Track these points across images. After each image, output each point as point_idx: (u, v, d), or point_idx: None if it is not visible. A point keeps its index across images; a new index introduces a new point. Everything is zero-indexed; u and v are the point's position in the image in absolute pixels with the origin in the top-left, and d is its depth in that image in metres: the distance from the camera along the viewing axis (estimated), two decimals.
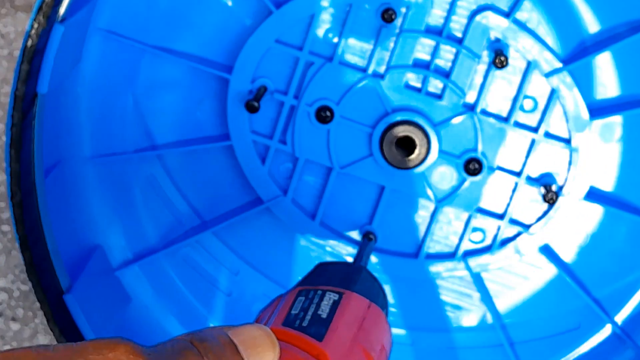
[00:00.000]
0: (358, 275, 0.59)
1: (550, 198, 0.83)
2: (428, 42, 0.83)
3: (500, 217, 0.86)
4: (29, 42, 0.69)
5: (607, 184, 0.86)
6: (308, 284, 0.57)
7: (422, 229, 0.88)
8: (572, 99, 0.82)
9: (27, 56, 0.69)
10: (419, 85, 0.84)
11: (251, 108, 0.83)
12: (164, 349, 0.33)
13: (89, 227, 0.88)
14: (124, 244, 0.90)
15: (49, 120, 0.79)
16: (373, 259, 0.88)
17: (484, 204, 0.86)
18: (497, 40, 0.81)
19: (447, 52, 0.83)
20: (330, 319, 0.49)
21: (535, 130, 0.84)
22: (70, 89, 0.84)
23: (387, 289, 0.89)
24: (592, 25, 0.81)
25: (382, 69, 0.83)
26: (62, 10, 0.73)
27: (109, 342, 0.32)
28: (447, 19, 0.82)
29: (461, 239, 0.87)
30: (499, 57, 0.80)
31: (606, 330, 0.88)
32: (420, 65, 0.83)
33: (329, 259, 0.90)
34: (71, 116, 0.85)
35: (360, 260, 0.76)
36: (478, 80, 0.83)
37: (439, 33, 0.82)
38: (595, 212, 0.86)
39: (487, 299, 0.89)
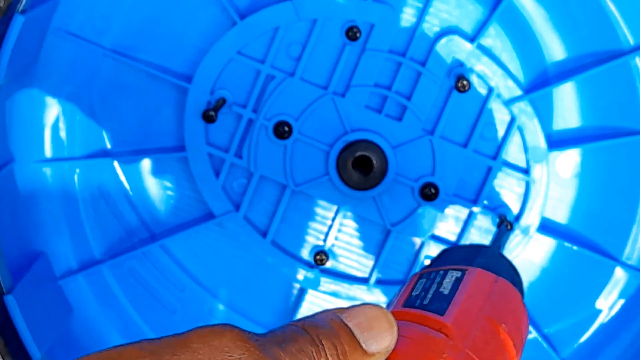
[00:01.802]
0: (484, 252, 0.56)
1: (504, 226, 0.82)
2: (391, 62, 0.82)
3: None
4: None
5: (561, 217, 0.85)
6: (429, 267, 0.54)
7: (374, 253, 0.87)
8: (532, 129, 0.82)
9: None
10: (379, 106, 0.83)
11: (208, 118, 0.82)
12: (274, 335, 0.32)
13: (35, 231, 0.86)
14: (69, 252, 0.88)
15: (1, 117, 0.77)
16: (326, 282, 0.87)
17: (437, 230, 0.85)
18: (460, 64, 0.81)
19: (409, 74, 0.82)
20: (452, 294, 0.46)
21: (493, 158, 0.83)
22: (25, 87, 0.82)
23: None
24: (556, 54, 0.81)
25: (343, 87, 0.83)
26: (24, 2, 0.72)
27: (214, 330, 0.31)
28: (411, 40, 0.82)
29: (413, 266, 0.86)
30: (461, 82, 0.80)
31: None
32: (382, 86, 0.83)
33: (279, 278, 0.88)
34: (24, 115, 0.83)
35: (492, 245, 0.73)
36: (438, 104, 0.82)
37: (402, 54, 0.82)
38: (548, 245, 0.86)
39: None
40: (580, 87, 0.82)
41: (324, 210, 0.86)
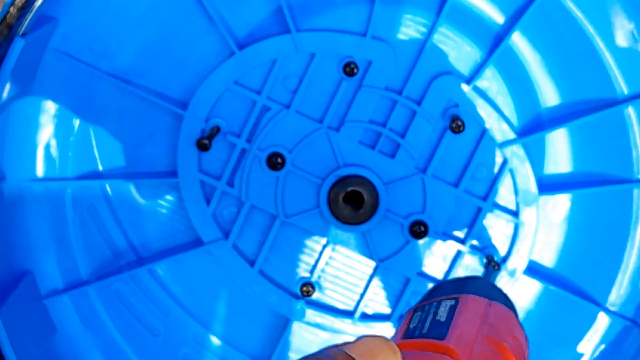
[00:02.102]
0: (474, 281, 0.57)
1: (492, 267, 0.83)
2: (386, 100, 0.82)
3: None
4: None
5: (548, 260, 0.86)
6: (422, 301, 0.54)
7: (360, 288, 0.87)
8: (523, 172, 0.82)
9: None
10: (373, 142, 0.83)
11: (202, 146, 0.82)
12: None
13: (21, 250, 0.85)
14: (55, 272, 0.87)
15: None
16: (311, 314, 0.87)
17: (425, 267, 0.86)
18: (455, 105, 0.82)
19: (404, 112, 0.83)
20: (449, 320, 0.47)
21: (483, 199, 0.84)
22: (20, 105, 0.82)
23: (323, 344, 0.87)
24: (551, 100, 0.82)
25: (338, 122, 0.83)
26: (25, 24, 0.72)
27: None
28: (408, 78, 0.82)
29: (398, 302, 0.87)
30: (455, 122, 0.81)
31: None
32: (377, 123, 0.83)
33: (264, 307, 0.88)
34: (17, 134, 0.83)
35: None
36: (432, 143, 0.83)
37: (398, 92, 0.82)
38: (534, 287, 0.86)
39: None
40: (573, 134, 0.82)
41: (313, 243, 0.86)
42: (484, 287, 0.55)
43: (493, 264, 0.83)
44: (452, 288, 0.55)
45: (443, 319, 0.47)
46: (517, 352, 0.47)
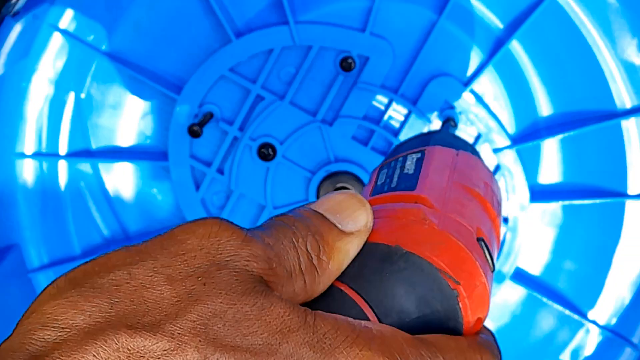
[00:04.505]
0: (438, 133, 0.55)
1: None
2: (382, 97, 0.81)
3: None
4: None
5: (535, 268, 0.85)
6: (387, 159, 0.52)
7: None
8: (516, 179, 0.81)
9: None
10: (366, 138, 0.82)
11: (193, 133, 0.81)
12: (257, 226, 0.33)
13: (10, 224, 0.85)
14: (42, 247, 0.88)
15: None
16: None
17: None
18: (451, 107, 0.81)
19: (399, 110, 0.82)
20: (418, 172, 0.45)
21: None
22: (13, 81, 0.82)
23: None
24: (548, 108, 0.81)
25: (331, 116, 0.82)
26: (17, 5, 0.71)
27: (197, 221, 0.31)
28: (405, 77, 0.81)
29: None
30: (448, 118, 0.80)
31: None
32: (371, 119, 0.82)
33: None
34: (10, 109, 0.82)
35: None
36: None
37: (394, 90, 0.81)
38: (519, 293, 0.85)
39: None
40: (569, 144, 0.81)
41: None
42: (448, 138, 0.53)
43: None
44: (416, 142, 0.53)
45: (411, 172, 0.45)
46: (490, 197, 0.45)
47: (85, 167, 0.86)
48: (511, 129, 0.81)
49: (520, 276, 0.85)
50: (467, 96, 0.80)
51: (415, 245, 0.35)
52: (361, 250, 0.35)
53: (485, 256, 0.39)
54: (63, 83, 0.83)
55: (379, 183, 0.46)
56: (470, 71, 0.80)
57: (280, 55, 0.81)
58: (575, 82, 0.79)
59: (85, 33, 0.82)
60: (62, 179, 0.86)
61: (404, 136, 0.81)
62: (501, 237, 0.45)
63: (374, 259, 0.35)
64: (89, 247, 0.89)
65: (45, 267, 0.87)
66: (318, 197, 0.83)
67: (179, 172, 0.84)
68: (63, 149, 0.86)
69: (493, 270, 0.40)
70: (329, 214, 0.34)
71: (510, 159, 0.81)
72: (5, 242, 0.85)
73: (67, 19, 0.81)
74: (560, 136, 0.80)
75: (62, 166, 0.86)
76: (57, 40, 0.81)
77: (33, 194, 0.86)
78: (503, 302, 0.86)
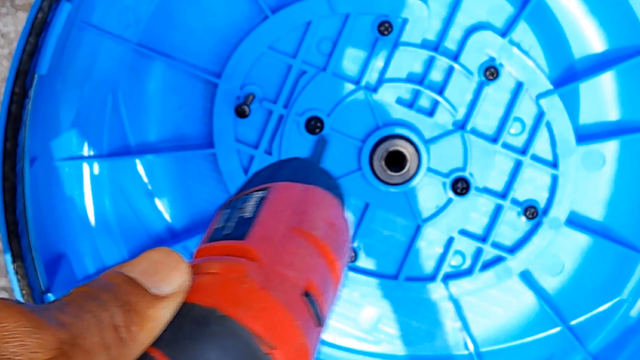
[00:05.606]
0: (290, 163, 0.51)
1: (533, 220, 0.83)
2: (423, 57, 0.82)
3: (483, 239, 0.85)
4: (40, 15, 0.65)
5: (591, 212, 0.86)
6: (234, 195, 0.47)
7: (403, 250, 0.86)
8: (560, 123, 0.83)
9: (36, 29, 0.65)
10: (411, 100, 0.83)
11: (241, 113, 0.80)
12: (55, 302, 0.29)
13: (56, 231, 0.83)
14: (89, 255, 0.85)
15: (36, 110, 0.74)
16: (354, 276, 0.86)
17: (467, 225, 0.85)
18: (491, 59, 0.82)
19: (441, 68, 0.82)
20: (254, 216, 0.41)
21: (522, 152, 0.84)
22: (47, 82, 0.80)
23: (368, 310, 0.87)
24: (584, 49, 0.82)
25: (375, 82, 0.82)
26: None
27: None
28: (444, 34, 0.82)
29: (442, 261, 0.86)
30: (489, 70, 0.81)
31: None
32: (414, 80, 0.83)
33: None
34: (49, 110, 0.80)
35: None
36: (469, 98, 0.83)
37: (434, 48, 0.82)
38: (577, 239, 0.86)
39: (464, 325, 0.87)
40: (609, 82, 0.83)
41: (354, 207, 0.85)
42: (301, 169, 0.49)
43: (534, 217, 0.83)
44: (263, 176, 0.48)
45: (249, 215, 0.42)
46: (331, 238, 0.43)
47: (126, 165, 0.84)
48: (551, 75, 0.83)
49: (574, 221, 0.85)
50: (506, 46, 0.81)
51: (231, 307, 0.34)
52: (179, 311, 0.33)
53: (310, 312, 0.37)
54: (98, 80, 0.82)
55: (217, 227, 0.43)
56: (506, 21, 0.82)
57: (318, 26, 0.81)
58: (610, 18, 0.82)
59: (116, 26, 0.81)
60: (104, 180, 0.84)
61: (448, 93, 0.82)
62: (343, 280, 0.43)
63: (189, 322, 0.33)
64: (135, 250, 0.86)
65: (93, 277, 0.85)
66: (371, 165, 0.83)
67: (226, 157, 0.83)
68: (103, 149, 0.83)
69: (322, 325, 0.39)
70: (143, 276, 0.32)
71: (553, 104, 0.82)
72: (57, 251, 0.82)
73: (98, 13, 0.80)
74: (600, 75, 0.82)
75: (103, 167, 0.84)
76: (88, 36, 0.80)
77: (76, 198, 0.84)
78: (559, 249, 0.86)
